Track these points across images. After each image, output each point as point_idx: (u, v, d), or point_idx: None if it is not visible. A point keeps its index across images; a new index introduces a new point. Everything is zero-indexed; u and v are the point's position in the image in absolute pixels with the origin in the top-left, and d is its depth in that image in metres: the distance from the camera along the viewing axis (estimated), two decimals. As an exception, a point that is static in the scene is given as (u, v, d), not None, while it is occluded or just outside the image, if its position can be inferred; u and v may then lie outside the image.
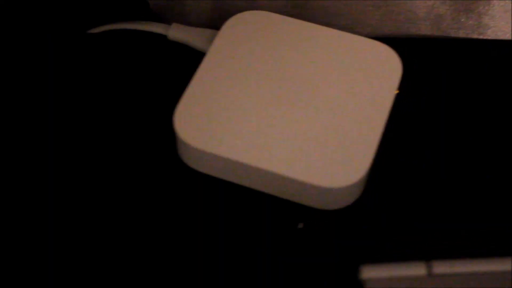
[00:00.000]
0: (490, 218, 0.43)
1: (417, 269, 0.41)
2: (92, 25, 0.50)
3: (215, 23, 0.49)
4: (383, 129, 0.43)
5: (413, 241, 0.42)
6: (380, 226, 0.43)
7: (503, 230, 0.42)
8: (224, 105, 0.43)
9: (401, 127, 0.46)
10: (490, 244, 0.42)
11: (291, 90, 0.44)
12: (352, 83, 0.45)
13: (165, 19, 0.51)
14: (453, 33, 0.50)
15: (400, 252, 0.42)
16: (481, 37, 0.49)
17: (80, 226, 0.42)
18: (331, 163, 0.41)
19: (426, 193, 0.44)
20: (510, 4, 0.48)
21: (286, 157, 0.42)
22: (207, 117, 0.43)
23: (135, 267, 0.41)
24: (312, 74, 0.45)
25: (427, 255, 0.41)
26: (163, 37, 0.49)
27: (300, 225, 0.43)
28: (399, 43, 0.47)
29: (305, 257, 0.42)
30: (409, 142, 0.46)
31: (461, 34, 0.50)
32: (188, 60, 0.47)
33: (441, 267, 0.41)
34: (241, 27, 0.47)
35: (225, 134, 0.42)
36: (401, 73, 0.45)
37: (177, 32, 0.49)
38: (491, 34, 0.49)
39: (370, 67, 0.45)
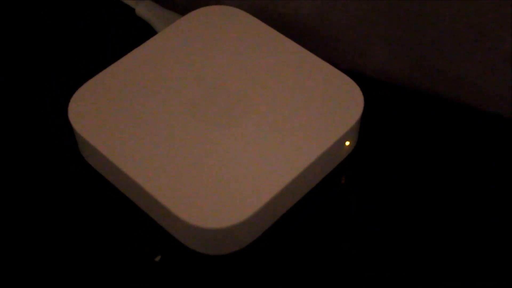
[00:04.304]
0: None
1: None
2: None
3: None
4: (298, 175, 0.36)
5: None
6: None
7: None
8: (130, 102, 0.38)
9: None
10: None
11: (217, 103, 0.38)
12: (293, 112, 0.37)
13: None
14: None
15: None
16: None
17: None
18: (210, 199, 0.35)
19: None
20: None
21: (162, 174, 0.35)
22: (103, 108, 0.38)
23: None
24: (252, 91, 0.38)
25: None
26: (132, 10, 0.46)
27: (157, 258, 0.39)
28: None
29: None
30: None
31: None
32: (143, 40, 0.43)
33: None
34: (201, 21, 0.41)
35: (116, 132, 0.37)
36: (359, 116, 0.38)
37: (144, 9, 0.45)
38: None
39: (323, 99, 0.38)
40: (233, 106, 0.38)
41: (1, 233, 0.42)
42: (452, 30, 0.40)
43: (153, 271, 0.41)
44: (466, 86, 0.42)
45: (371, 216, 0.43)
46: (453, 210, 0.44)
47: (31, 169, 0.44)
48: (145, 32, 0.45)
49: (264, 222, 0.36)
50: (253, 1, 0.44)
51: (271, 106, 0.37)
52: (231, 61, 0.39)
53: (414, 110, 0.44)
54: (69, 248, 0.42)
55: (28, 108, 0.47)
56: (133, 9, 0.46)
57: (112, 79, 0.39)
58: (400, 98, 0.44)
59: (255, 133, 0.37)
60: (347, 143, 0.38)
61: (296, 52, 0.40)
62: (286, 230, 0.39)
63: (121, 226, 0.43)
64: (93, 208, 0.43)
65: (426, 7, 0.40)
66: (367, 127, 0.41)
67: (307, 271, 0.42)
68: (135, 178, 0.36)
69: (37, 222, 0.43)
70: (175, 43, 0.41)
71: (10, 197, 0.43)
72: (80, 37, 0.47)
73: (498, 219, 0.44)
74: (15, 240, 0.42)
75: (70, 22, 0.48)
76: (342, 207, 0.42)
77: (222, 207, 0.35)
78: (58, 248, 0.42)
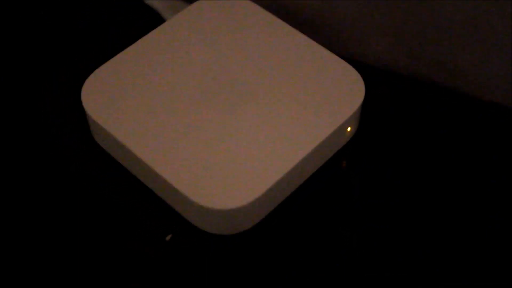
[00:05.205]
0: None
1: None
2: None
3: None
4: (301, 159, 0.37)
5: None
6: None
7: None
8: (140, 88, 0.39)
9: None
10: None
11: (224, 91, 0.39)
12: (296, 99, 0.39)
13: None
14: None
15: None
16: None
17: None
18: (217, 180, 0.36)
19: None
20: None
21: (173, 158, 0.37)
22: (115, 94, 0.39)
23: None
24: (258, 78, 0.39)
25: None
26: None
27: (168, 237, 0.40)
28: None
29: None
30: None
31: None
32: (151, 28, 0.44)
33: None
34: (207, 11, 0.42)
35: (127, 116, 0.38)
36: (360, 103, 0.39)
37: None
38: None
39: (326, 87, 0.39)
40: (240, 93, 0.39)
41: (0, 233, 0.42)
42: (448, 22, 0.41)
43: (153, 271, 0.41)
44: (462, 75, 0.44)
45: (371, 212, 0.43)
46: (452, 206, 0.44)
47: (32, 168, 0.44)
48: (153, 19, 0.46)
49: (269, 204, 0.38)
50: None
51: (276, 93, 0.39)
52: (237, 49, 0.40)
53: (412, 100, 0.45)
54: (68, 249, 0.42)
55: (29, 108, 0.47)
56: None
57: (123, 65, 0.40)
58: (399, 86, 0.45)
59: (260, 119, 0.38)
60: (349, 128, 0.39)
61: (300, 41, 0.41)
62: (289, 213, 0.40)
63: (121, 226, 0.43)
64: (92, 208, 0.43)
65: (423, 4, 0.41)
66: (367, 115, 0.41)
67: (307, 270, 0.42)
68: (148, 161, 0.37)
69: (37, 222, 0.43)
70: (183, 31, 0.41)
71: (10, 196, 0.43)
72: (90, 24, 0.48)
73: (498, 215, 0.44)
74: (15, 240, 0.42)
75: (81, 8, 0.49)
76: (343, 193, 0.42)
77: (231, 189, 0.36)
78: (58, 248, 0.42)
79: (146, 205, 0.43)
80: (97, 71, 0.40)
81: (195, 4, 0.43)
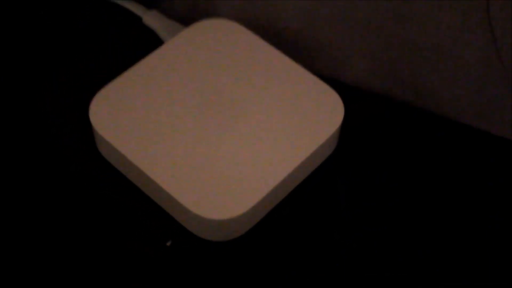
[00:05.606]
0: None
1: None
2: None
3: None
4: (290, 172, 0.41)
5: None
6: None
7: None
8: (143, 105, 0.43)
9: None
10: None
11: (217, 109, 0.43)
12: (283, 118, 0.43)
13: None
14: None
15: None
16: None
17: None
18: (214, 192, 0.40)
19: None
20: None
21: (174, 171, 0.40)
22: (122, 110, 0.43)
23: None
24: (247, 98, 0.43)
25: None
26: (139, 19, 0.49)
27: (168, 243, 0.42)
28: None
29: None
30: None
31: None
32: (151, 48, 0.46)
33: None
34: (202, 34, 0.46)
35: (131, 131, 0.42)
36: (339, 123, 0.43)
37: (150, 19, 0.49)
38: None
39: (308, 108, 0.43)
40: (231, 112, 0.43)
41: (0, 232, 0.42)
42: (419, 49, 0.46)
43: (153, 271, 0.41)
44: (431, 96, 0.48)
45: (371, 212, 0.43)
46: (450, 208, 0.44)
47: (31, 168, 0.44)
48: (151, 39, 0.49)
49: (259, 213, 0.42)
50: (248, 14, 0.50)
51: (263, 113, 0.43)
52: (228, 70, 0.45)
53: (390, 118, 0.48)
54: (68, 249, 0.42)
55: (29, 108, 0.47)
56: (141, 18, 0.49)
57: (127, 84, 0.44)
58: (377, 106, 0.49)
59: (249, 136, 0.42)
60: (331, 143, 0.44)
61: (284, 63, 0.45)
62: (278, 219, 0.43)
63: (121, 226, 0.43)
64: (92, 209, 0.43)
65: (399, 29, 0.46)
66: (347, 131, 0.45)
67: (307, 270, 0.42)
68: (150, 174, 0.41)
69: (37, 222, 0.43)
70: (182, 53, 0.46)
71: (10, 196, 0.43)
72: (89, 42, 0.50)
73: (498, 216, 0.44)
74: (15, 240, 0.42)
75: (80, 29, 0.50)
76: (329, 200, 0.45)
77: (226, 200, 0.40)
78: (58, 248, 0.42)
79: (145, 206, 0.43)
80: (103, 90, 0.44)
81: (191, 27, 0.47)
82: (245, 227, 0.41)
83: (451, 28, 0.44)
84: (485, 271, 0.42)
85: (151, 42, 0.48)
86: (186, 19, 0.49)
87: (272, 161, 0.41)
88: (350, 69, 0.49)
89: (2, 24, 0.50)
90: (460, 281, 0.41)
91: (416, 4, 0.44)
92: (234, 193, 0.40)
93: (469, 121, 0.48)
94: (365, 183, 0.45)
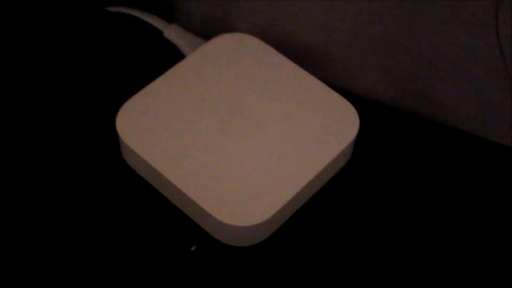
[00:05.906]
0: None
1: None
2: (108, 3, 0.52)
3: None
4: (308, 181, 0.42)
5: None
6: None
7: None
8: (167, 116, 0.44)
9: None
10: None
11: (239, 120, 0.45)
12: (302, 129, 0.44)
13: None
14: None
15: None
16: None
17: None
18: (237, 200, 0.41)
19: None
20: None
21: (199, 180, 0.42)
22: (147, 121, 0.44)
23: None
24: (268, 110, 0.45)
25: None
26: (161, 33, 0.50)
27: (193, 248, 0.43)
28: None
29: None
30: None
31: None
32: (173, 61, 0.47)
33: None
34: (222, 47, 0.48)
35: (157, 142, 0.43)
36: (355, 134, 0.44)
37: (172, 33, 0.50)
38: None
39: (326, 119, 0.45)
40: (251, 123, 0.45)
41: (1, 232, 0.42)
42: (431, 62, 0.47)
43: (153, 271, 0.41)
44: (441, 107, 0.49)
45: (371, 213, 0.43)
46: (452, 211, 0.44)
47: (32, 168, 0.45)
48: (172, 52, 0.50)
49: (280, 220, 0.43)
50: (267, 28, 0.51)
51: (283, 124, 0.45)
52: (249, 83, 0.46)
53: (400, 127, 0.49)
54: (69, 249, 0.42)
55: (29, 108, 0.47)
56: (162, 32, 0.51)
57: (152, 96, 0.46)
58: (388, 117, 0.50)
59: (270, 146, 0.44)
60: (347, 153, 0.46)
61: (302, 77, 0.47)
62: (296, 226, 0.44)
63: (121, 226, 0.43)
64: (92, 209, 0.43)
65: (410, 43, 0.47)
66: (362, 141, 0.46)
67: (308, 270, 0.42)
68: (175, 182, 0.42)
69: (38, 221, 0.43)
70: (204, 66, 0.47)
71: (10, 196, 0.43)
72: (113, 56, 0.51)
73: (498, 216, 0.44)
74: (15, 240, 0.42)
75: (103, 41, 0.51)
76: (342, 209, 0.45)
77: (249, 208, 0.41)
78: (58, 248, 0.42)
79: (146, 205, 0.43)
80: (129, 102, 0.45)
81: (211, 42, 0.48)
82: (265, 234, 0.42)
83: (462, 44, 0.45)
84: (485, 271, 0.42)
85: (173, 55, 0.49)
86: (203, 33, 0.51)
87: (292, 170, 0.43)
88: (363, 82, 0.50)
89: (2, 24, 0.51)
90: (460, 281, 0.41)
91: (427, 20, 0.45)
92: (256, 201, 0.41)
93: (475, 130, 0.49)
94: (372, 188, 0.45)
